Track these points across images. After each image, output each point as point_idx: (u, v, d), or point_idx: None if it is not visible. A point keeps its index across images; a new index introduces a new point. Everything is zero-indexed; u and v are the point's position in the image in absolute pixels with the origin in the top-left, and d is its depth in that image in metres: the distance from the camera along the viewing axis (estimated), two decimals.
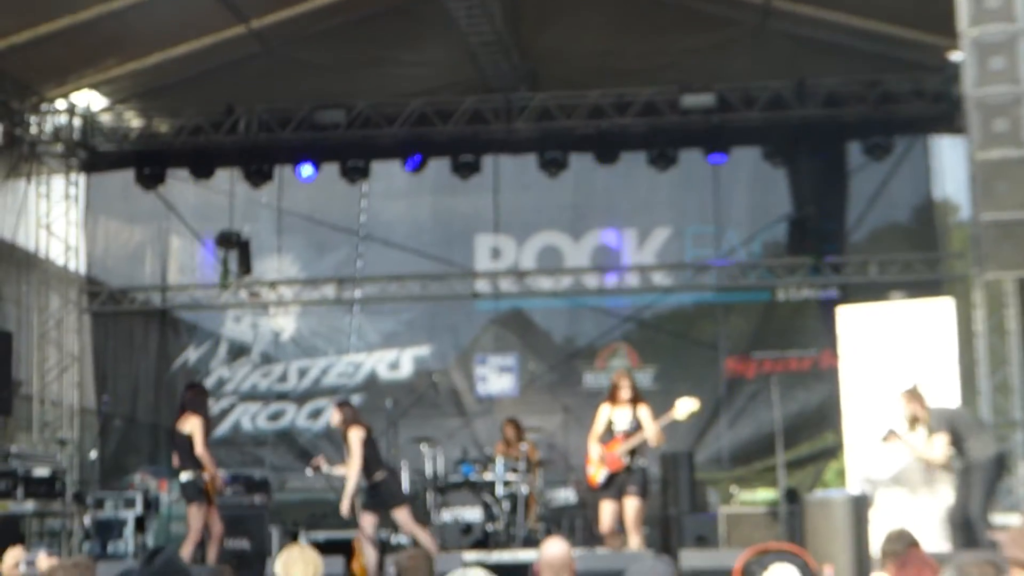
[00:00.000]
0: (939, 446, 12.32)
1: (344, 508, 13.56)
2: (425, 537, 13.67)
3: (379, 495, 13.74)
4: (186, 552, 13.18)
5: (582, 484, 15.18)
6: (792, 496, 15.02)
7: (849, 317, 14.16)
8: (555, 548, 7.53)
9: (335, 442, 17.84)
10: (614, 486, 13.50)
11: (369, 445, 13.85)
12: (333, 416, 14.02)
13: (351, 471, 13.65)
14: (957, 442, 12.47)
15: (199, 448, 13.63)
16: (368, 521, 13.68)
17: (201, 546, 13.69)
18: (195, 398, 14.04)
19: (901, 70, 18.35)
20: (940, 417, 12.52)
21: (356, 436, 13.76)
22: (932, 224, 19.41)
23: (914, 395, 12.65)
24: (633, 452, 13.52)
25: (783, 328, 19.55)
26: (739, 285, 19.51)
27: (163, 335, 20.67)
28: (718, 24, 17.81)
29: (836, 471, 17.87)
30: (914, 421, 12.54)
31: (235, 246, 19.52)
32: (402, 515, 13.81)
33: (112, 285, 20.37)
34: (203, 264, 20.39)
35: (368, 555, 13.57)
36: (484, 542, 15.23)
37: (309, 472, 14.47)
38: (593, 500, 14.28)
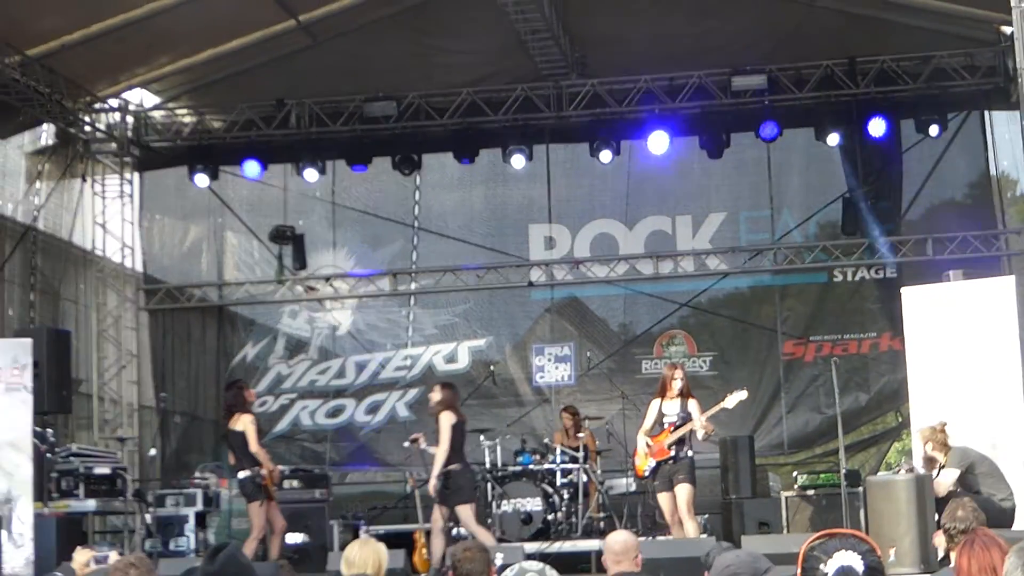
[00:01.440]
0: (947, 480, 11.78)
1: (431, 487, 13.67)
2: (486, 536, 13.51)
3: (447, 486, 13.70)
4: (249, 548, 13.10)
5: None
6: (854, 478, 14.80)
7: (909, 297, 13.86)
8: (620, 536, 7.54)
9: (395, 436, 18.30)
10: (663, 476, 13.54)
11: (457, 432, 13.79)
12: (433, 394, 14.01)
13: (439, 453, 13.68)
14: (969, 484, 11.89)
15: (253, 445, 13.60)
16: (441, 511, 13.69)
17: (263, 542, 13.69)
18: (237, 396, 13.97)
19: (953, 45, 18.12)
20: (959, 455, 11.99)
21: (447, 419, 13.72)
22: (989, 200, 19.11)
23: (934, 434, 12.10)
24: (680, 441, 13.53)
25: (841, 309, 19.38)
26: (795, 268, 19.38)
27: (221, 331, 20.60)
28: (768, 4, 17.58)
29: (899, 451, 18.00)
30: (931, 462, 12.03)
31: (289, 241, 19.59)
32: (464, 512, 13.69)
33: (169, 282, 20.29)
34: (259, 260, 20.34)
35: (436, 546, 13.60)
36: (544, 532, 15.14)
37: (407, 444, 14.47)
38: (653, 488, 14.14)
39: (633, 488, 16.09)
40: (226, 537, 15.37)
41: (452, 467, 13.75)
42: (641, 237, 19.82)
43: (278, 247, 19.82)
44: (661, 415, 13.65)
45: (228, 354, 20.53)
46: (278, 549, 13.60)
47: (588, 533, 15.04)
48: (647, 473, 13.67)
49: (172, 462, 19.52)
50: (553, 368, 19.79)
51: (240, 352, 20.53)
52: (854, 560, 4.86)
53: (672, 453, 13.48)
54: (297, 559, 14.41)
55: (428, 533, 13.86)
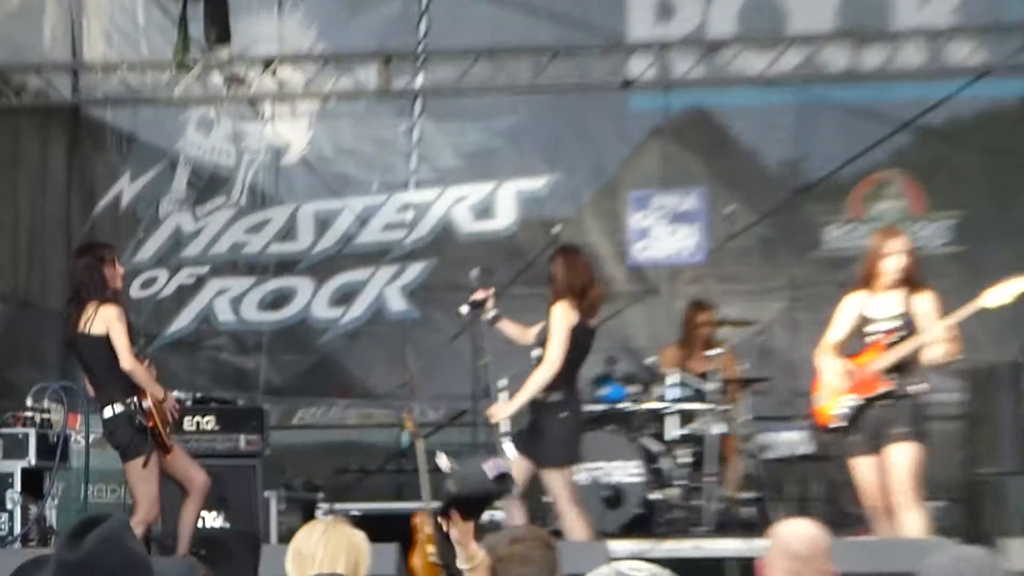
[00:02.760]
0: None
1: (499, 414, 11.66)
2: (580, 525, 11.51)
3: (541, 429, 11.72)
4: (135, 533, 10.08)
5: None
6: None
7: None
8: (801, 531, 6.46)
9: (383, 345, 16.43)
10: (867, 427, 11.34)
11: (578, 343, 11.64)
12: (554, 263, 12.17)
13: (541, 371, 11.53)
14: None
15: (125, 357, 11.36)
16: (521, 467, 11.72)
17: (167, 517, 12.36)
18: (94, 270, 11.70)
19: None
20: None
21: (565, 317, 11.68)
22: None
23: None
24: (902, 368, 11.28)
25: None
26: None
27: (75, 153, 16.92)
28: None
29: None
30: None
31: None
32: (557, 480, 11.69)
33: None
34: (146, 26, 16.95)
35: (515, 519, 11.66)
36: (645, 521, 13.08)
37: (464, 311, 12.23)
38: (842, 449, 11.75)
39: (804, 449, 13.86)
40: (76, 515, 13.15)
41: (553, 397, 11.70)
42: (829, 3, 15.99)
43: (180, 5, 15.97)
44: (865, 320, 11.46)
45: (87, 193, 16.86)
46: (190, 530, 11.60)
47: (723, 526, 13.07)
48: (839, 421, 11.45)
49: None
50: (666, 233, 16.28)
51: (110, 191, 16.79)
52: None
53: (885, 387, 11.30)
54: (206, 556, 12.25)
55: (438, 515, 9.93)
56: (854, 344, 11.69)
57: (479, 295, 12.62)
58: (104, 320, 11.55)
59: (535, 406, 12.07)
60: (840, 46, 15.88)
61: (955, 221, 15.97)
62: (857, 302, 11.70)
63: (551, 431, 12.05)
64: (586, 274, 12.34)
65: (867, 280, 11.66)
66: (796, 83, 16.16)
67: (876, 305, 11.63)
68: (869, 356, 11.62)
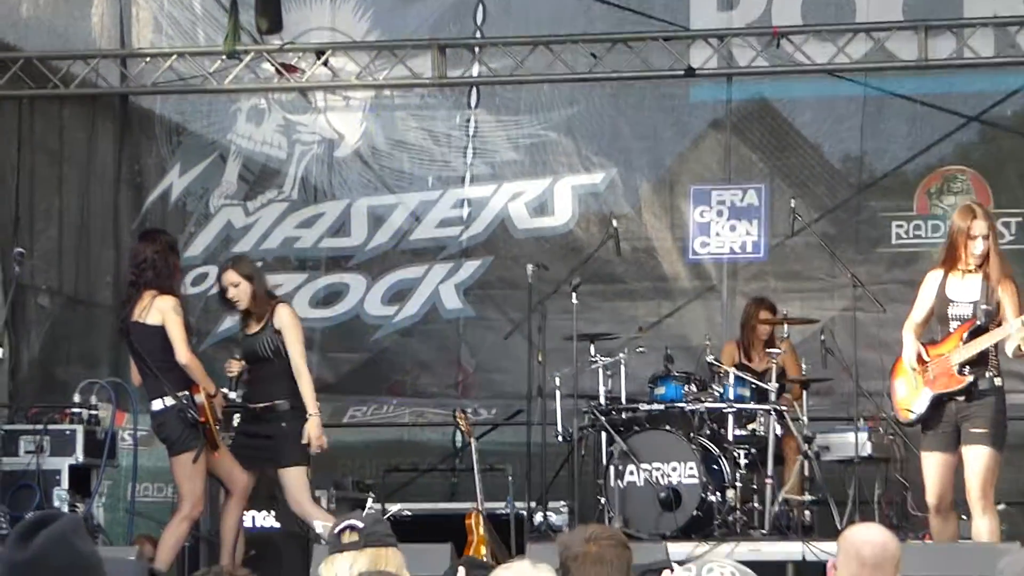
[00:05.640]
0: None
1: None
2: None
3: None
4: (175, 535, 11.65)
5: (885, 421, 13.11)
6: None
7: None
8: (872, 535, 6.53)
9: (436, 342, 16.14)
10: (943, 421, 11.20)
11: None
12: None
13: None
14: None
15: (181, 350, 11.42)
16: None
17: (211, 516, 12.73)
18: (159, 258, 11.65)
19: None
20: None
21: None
22: None
23: None
24: (982, 359, 11.08)
25: None
26: None
27: (123, 144, 16.57)
28: None
29: None
30: None
31: None
32: None
33: (26, 49, 16.22)
34: (199, 15, 16.65)
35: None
36: (703, 524, 12.80)
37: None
38: (909, 452, 12.53)
39: (866, 451, 13.43)
40: (125, 515, 13.85)
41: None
42: None
43: None
44: (946, 300, 11.37)
45: (136, 186, 16.56)
46: (235, 533, 11.65)
47: (782, 529, 12.93)
48: (916, 415, 11.38)
49: (32, 376, 16.23)
50: (726, 229, 16.01)
51: (159, 184, 16.56)
52: None
53: (966, 380, 11.11)
54: (256, 557, 12.28)
55: (495, 521, 12.75)
56: (934, 328, 11.44)
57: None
58: (160, 310, 11.42)
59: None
60: (908, 36, 15.40)
61: (1021, 220, 15.70)
62: (937, 278, 11.42)
63: None
64: None
65: (951, 258, 11.40)
66: (862, 74, 15.70)
67: (957, 286, 11.36)
68: (948, 346, 11.39)
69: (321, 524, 11.86)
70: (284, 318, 12.25)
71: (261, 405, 12.67)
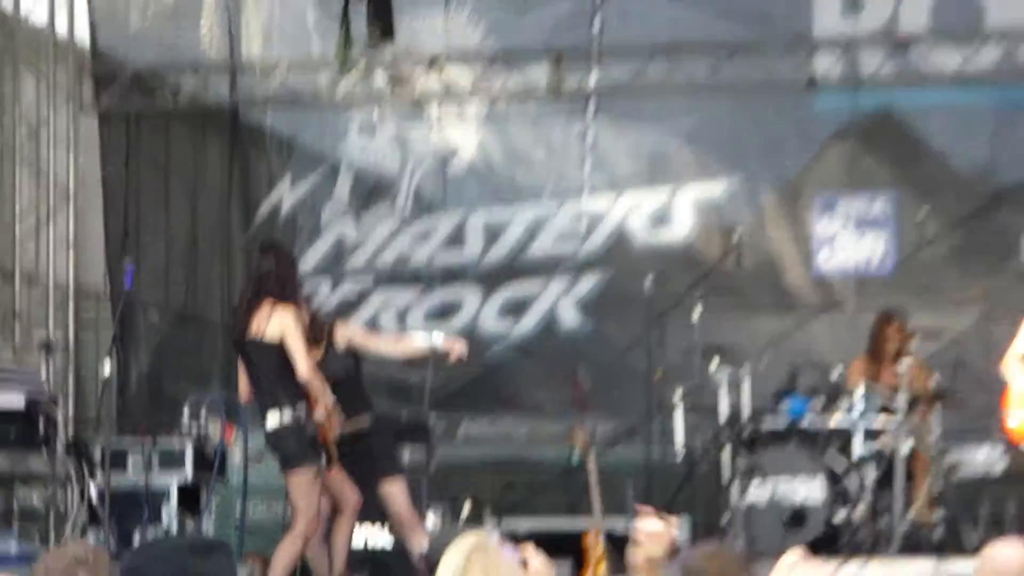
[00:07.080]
0: None
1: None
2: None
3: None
4: (288, 552, 11.23)
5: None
6: None
7: None
8: (1013, 556, 6.22)
9: (553, 358, 15.93)
10: None
11: None
12: None
13: None
14: None
15: (302, 365, 11.18)
16: None
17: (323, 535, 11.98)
18: (281, 269, 11.42)
19: None
20: None
21: None
22: None
23: None
24: None
25: None
26: None
27: (234, 156, 16.59)
28: None
29: None
30: None
31: None
32: None
33: (136, 63, 16.28)
34: (312, 27, 16.67)
35: None
36: (829, 543, 12.68)
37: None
38: None
39: (999, 468, 13.53)
40: (235, 532, 13.34)
41: None
42: None
43: (343, 1, 15.66)
44: None
45: (246, 200, 16.58)
46: (345, 551, 11.62)
47: (912, 547, 12.67)
48: None
49: (141, 391, 16.30)
50: (853, 240, 15.90)
51: (269, 197, 16.57)
52: None
53: None
54: (369, 575, 12.74)
55: (614, 539, 11.86)
56: None
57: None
58: (280, 323, 11.29)
59: None
60: None
61: None
62: None
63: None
64: None
65: None
66: (993, 82, 15.67)
67: None
68: None
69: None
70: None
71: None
